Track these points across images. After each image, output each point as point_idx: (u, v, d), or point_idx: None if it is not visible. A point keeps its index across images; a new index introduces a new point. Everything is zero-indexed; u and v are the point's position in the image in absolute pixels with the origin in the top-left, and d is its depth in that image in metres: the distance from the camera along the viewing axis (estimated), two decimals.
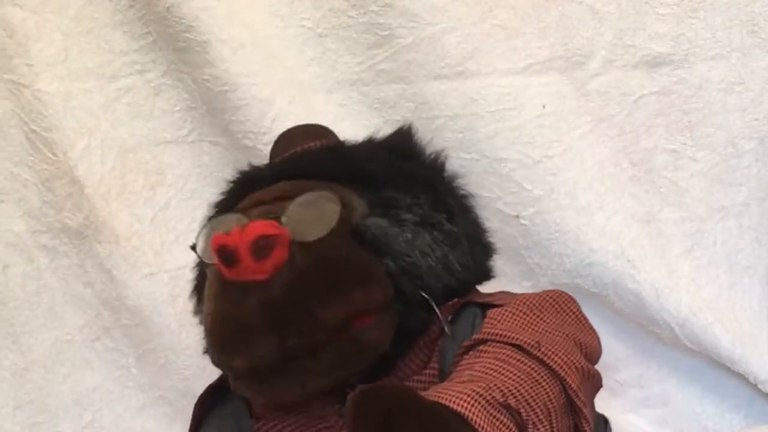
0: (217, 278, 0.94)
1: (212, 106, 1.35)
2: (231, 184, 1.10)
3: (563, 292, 1.03)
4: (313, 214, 0.96)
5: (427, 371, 0.99)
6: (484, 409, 0.84)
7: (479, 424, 0.81)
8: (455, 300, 1.00)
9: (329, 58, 1.35)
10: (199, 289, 1.07)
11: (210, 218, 1.05)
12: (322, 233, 0.95)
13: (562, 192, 1.33)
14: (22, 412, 1.43)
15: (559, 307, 1.01)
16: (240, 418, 1.06)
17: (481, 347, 0.94)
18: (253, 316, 0.91)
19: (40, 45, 1.34)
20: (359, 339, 0.93)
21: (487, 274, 1.08)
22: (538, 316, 0.98)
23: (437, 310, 0.98)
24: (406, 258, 0.96)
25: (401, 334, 0.97)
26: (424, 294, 0.97)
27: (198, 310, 1.08)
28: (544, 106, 1.32)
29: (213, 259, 0.94)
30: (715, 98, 1.31)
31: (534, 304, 0.99)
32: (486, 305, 1.01)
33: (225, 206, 1.07)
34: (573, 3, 1.31)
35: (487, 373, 0.89)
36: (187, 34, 1.31)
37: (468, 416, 0.82)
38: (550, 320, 0.98)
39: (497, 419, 0.84)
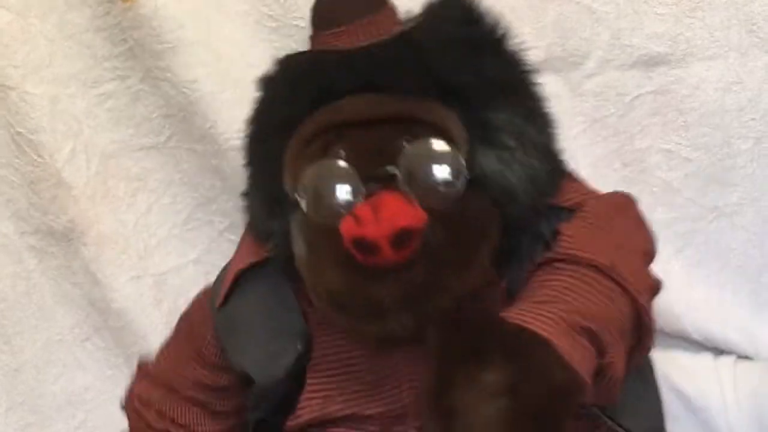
0: (339, 246, 0.91)
1: (190, 111, 1.33)
2: (294, 88, 1.01)
3: (625, 194, 1.05)
4: (434, 173, 0.93)
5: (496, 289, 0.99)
6: (567, 332, 0.85)
7: (563, 349, 0.82)
8: None
9: None
10: (268, 201, 1.03)
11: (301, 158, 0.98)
12: (448, 201, 0.93)
13: None
14: (14, 413, 1.42)
15: (625, 213, 1.02)
16: (282, 292, 1.05)
17: (555, 265, 0.94)
18: (390, 299, 0.90)
19: (27, 48, 1.31)
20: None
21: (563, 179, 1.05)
22: (608, 229, 0.98)
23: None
24: (510, 189, 0.95)
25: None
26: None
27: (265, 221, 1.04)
28: None
29: (329, 221, 0.92)
30: (712, 98, 1.31)
31: (604, 214, 0.99)
32: (556, 207, 1.01)
33: (295, 116, 1.00)
34: (570, 3, 1.30)
35: (565, 294, 0.90)
36: (173, 35, 1.28)
37: (552, 341, 0.82)
38: (620, 231, 0.99)
39: (579, 343, 0.85)
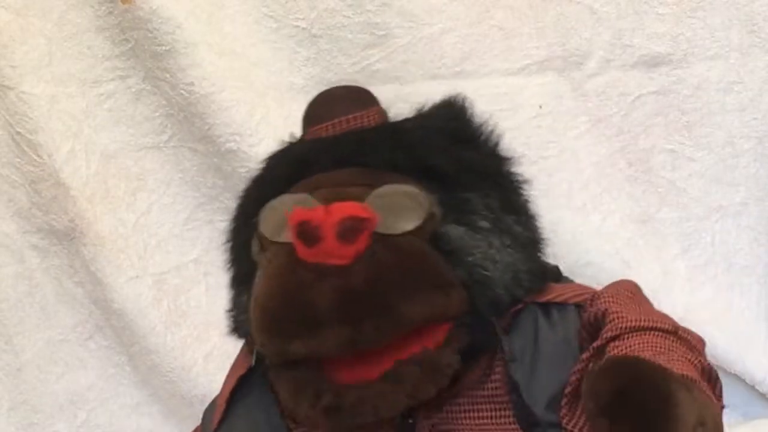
0: (285, 255, 0.88)
1: (191, 111, 1.32)
2: (278, 163, 1.02)
3: (629, 280, 1.02)
4: (397, 207, 0.90)
5: (490, 385, 0.95)
6: (701, 374, 0.86)
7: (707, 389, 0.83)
8: (517, 306, 0.96)
9: (323, 59, 1.33)
10: (240, 279, 1.00)
11: (266, 197, 0.96)
12: (406, 228, 0.89)
13: (558, 193, 1.32)
14: (16, 412, 1.43)
15: (640, 294, 1.00)
16: (268, 410, 1.00)
17: (625, 337, 0.90)
18: (325, 302, 0.84)
19: (25, 48, 1.31)
20: (437, 362, 0.89)
21: (546, 277, 1.01)
22: (642, 303, 0.97)
23: (500, 334, 0.94)
24: (481, 270, 0.92)
25: (469, 349, 0.92)
26: (492, 311, 0.93)
27: (237, 301, 1.00)
28: (540, 107, 1.31)
29: (283, 237, 0.88)
30: (713, 98, 1.31)
31: (627, 295, 0.97)
32: (547, 304, 0.97)
33: (275, 188, 0.98)
34: (571, 3, 1.30)
35: (662, 353, 0.87)
36: (174, 36, 1.28)
37: (696, 382, 0.82)
38: (648, 305, 0.98)
39: (710, 386, 0.86)
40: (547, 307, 0.97)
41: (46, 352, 1.42)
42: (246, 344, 1.03)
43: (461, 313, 0.90)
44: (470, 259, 0.92)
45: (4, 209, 1.39)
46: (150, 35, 1.28)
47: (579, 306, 0.97)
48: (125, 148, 1.37)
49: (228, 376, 1.06)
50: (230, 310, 1.01)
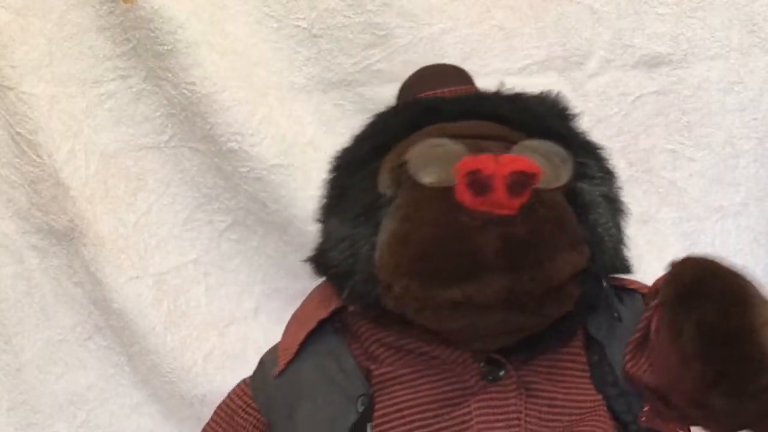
0: (441, 200, 0.89)
1: (193, 111, 1.32)
2: (397, 114, 1.03)
3: None
4: (545, 162, 0.92)
5: (573, 344, 0.97)
6: None
7: None
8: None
9: (324, 59, 1.33)
10: (355, 215, 0.98)
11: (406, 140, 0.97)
12: (556, 184, 0.92)
13: None
14: (16, 413, 1.42)
15: None
16: (340, 357, 1.01)
17: None
18: (492, 248, 0.86)
19: (25, 48, 1.31)
20: (564, 287, 0.91)
21: (630, 265, 1.04)
22: None
23: (607, 288, 0.97)
24: (600, 230, 0.95)
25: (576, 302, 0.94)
26: (602, 271, 0.96)
27: (348, 234, 0.98)
28: None
29: (437, 181, 0.90)
30: (714, 98, 1.31)
31: None
32: (617, 287, 1.01)
33: (397, 133, 0.99)
34: (571, 3, 1.30)
35: None
36: (176, 36, 1.28)
37: None
38: None
39: None
40: (617, 290, 1.01)
41: (45, 353, 1.42)
42: (333, 286, 1.01)
43: (583, 269, 0.93)
44: (593, 217, 0.95)
45: (4, 209, 1.38)
46: (152, 35, 1.28)
47: (644, 296, 1.01)
48: (125, 148, 1.37)
49: (297, 320, 1.07)
50: (328, 250, 1.00)
